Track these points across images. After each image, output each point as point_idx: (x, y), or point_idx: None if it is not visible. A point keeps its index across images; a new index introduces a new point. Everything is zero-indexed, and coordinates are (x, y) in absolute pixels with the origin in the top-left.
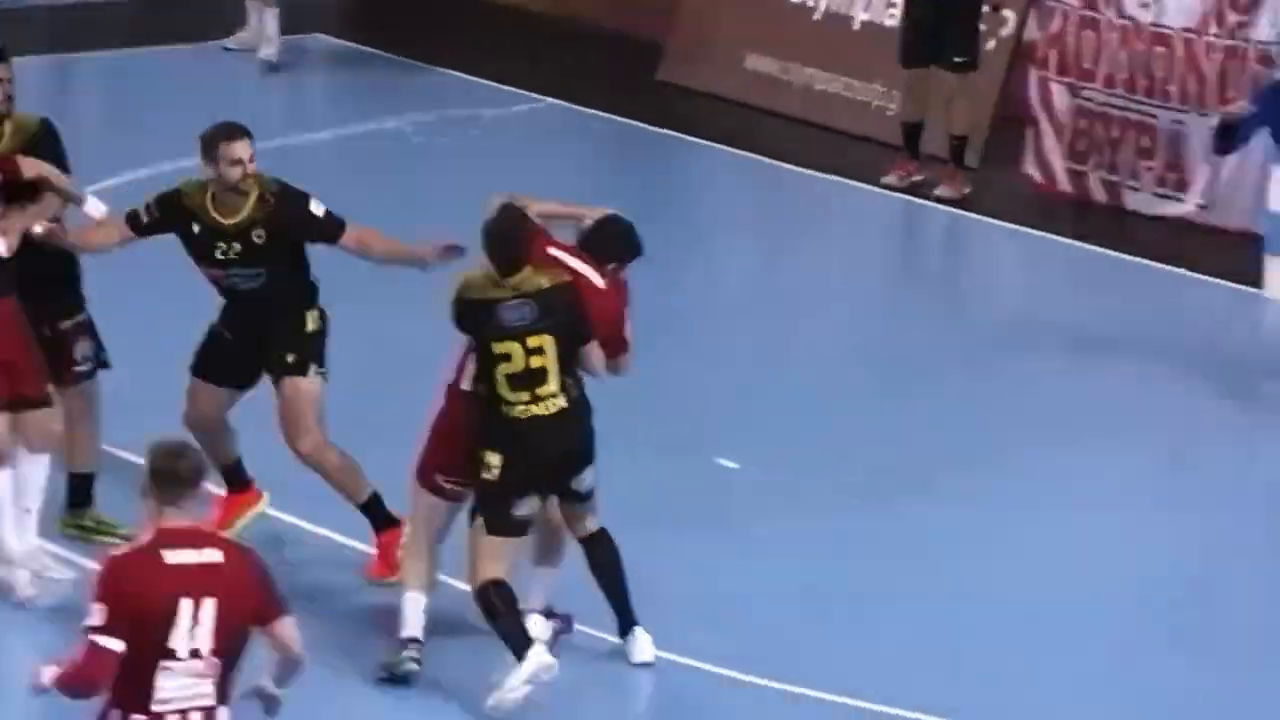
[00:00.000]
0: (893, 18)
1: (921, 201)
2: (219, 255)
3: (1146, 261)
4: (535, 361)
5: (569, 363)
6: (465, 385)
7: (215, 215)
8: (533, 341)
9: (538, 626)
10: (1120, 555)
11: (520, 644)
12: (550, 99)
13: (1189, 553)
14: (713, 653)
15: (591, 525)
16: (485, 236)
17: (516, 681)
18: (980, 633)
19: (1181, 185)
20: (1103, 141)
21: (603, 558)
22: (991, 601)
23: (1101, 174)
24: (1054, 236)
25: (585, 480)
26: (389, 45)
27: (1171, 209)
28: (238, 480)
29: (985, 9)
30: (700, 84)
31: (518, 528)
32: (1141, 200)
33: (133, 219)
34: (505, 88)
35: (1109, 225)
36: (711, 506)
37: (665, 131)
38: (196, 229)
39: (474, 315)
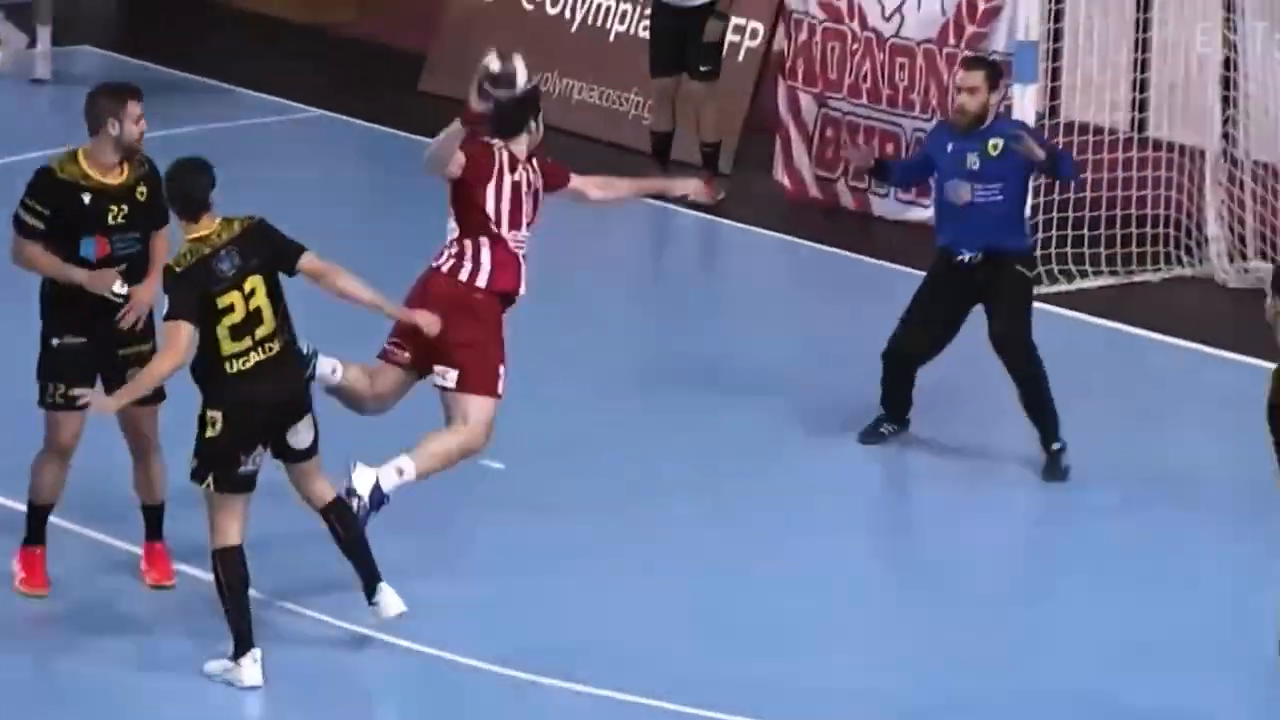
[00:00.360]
0: (646, 30)
1: (675, 208)
2: (111, 220)
3: (892, 265)
4: (252, 304)
5: (281, 302)
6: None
7: (101, 179)
8: (248, 285)
9: (361, 474)
10: (841, 564)
11: (239, 642)
12: (316, 109)
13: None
14: (457, 644)
15: (327, 492)
16: (165, 183)
17: (217, 669)
18: (705, 623)
19: (925, 193)
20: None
21: (345, 527)
22: (711, 598)
23: (849, 181)
24: (804, 241)
25: (301, 434)
26: (156, 58)
27: (916, 214)
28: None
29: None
30: (461, 94)
31: (245, 483)
32: (887, 206)
33: (28, 230)
34: (272, 98)
35: (857, 231)
36: (468, 504)
37: (427, 140)
38: (87, 199)
39: (194, 282)
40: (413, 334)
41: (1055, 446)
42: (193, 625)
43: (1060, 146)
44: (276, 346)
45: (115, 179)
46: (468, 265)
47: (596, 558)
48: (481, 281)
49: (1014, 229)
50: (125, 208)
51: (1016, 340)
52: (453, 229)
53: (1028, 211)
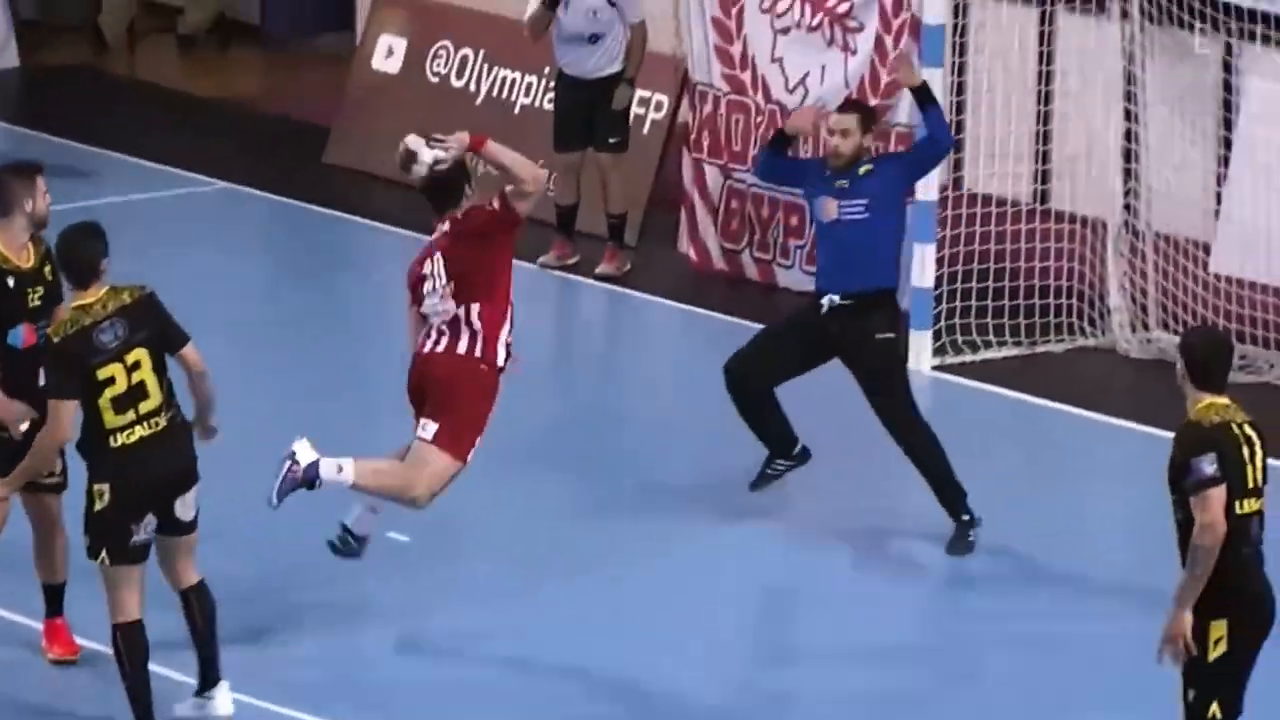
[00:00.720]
0: (552, 102)
1: (581, 279)
2: (32, 304)
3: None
4: (136, 377)
5: (165, 377)
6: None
7: (16, 262)
8: (130, 358)
9: (305, 448)
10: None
11: (140, 717)
12: (219, 181)
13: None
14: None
15: (193, 574)
16: (57, 250)
17: None
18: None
19: None
20: (754, 221)
21: (202, 612)
22: (588, 673)
23: (754, 252)
24: (709, 312)
25: (189, 504)
26: (57, 130)
27: None
28: None
29: (630, 91)
30: (365, 165)
31: (138, 553)
32: (792, 277)
33: None
34: (175, 171)
35: (762, 302)
36: (370, 575)
37: (331, 212)
38: (11, 283)
39: (74, 353)
40: (419, 407)
41: (965, 518)
42: (95, 700)
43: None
44: (163, 421)
45: (26, 262)
46: (465, 336)
47: (481, 623)
48: (480, 350)
49: (881, 265)
50: (40, 289)
51: (900, 421)
52: (450, 307)
53: (929, 282)
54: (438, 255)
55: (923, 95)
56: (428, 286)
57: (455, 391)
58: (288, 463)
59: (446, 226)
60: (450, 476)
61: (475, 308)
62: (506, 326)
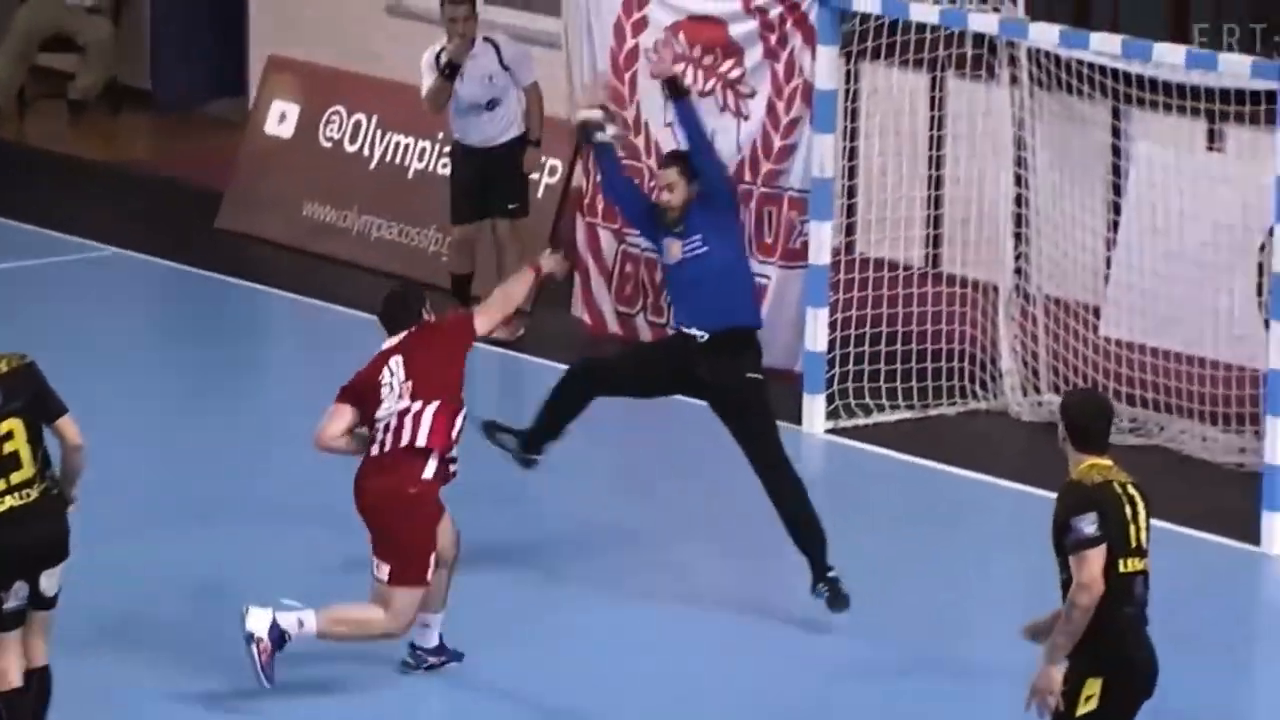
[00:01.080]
0: (445, 167)
1: (475, 344)
2: None
3: (693, 400)
4: (8, 447)
5: (41, 448)
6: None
7: None
8: (3, 428)
9: (256, 616)
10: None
11: None
12: (111, 247)
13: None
14: None
15: (42, 656)
16: None
17: None
18: None
19: None
20: (648, 285)
21: (39, 698)
22: None
23: (648, 316)
24: None
25: (55, 579)
26: None
27: None
28: None
29: (537, 153)
30: (258, 231)
31: (11, 620)
32: None
33: None
34: (66, 236)
35: None
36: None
37: (223, 277)
38: None
39: None
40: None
41: (830, 574)
42: None
43: (710, 140)
44: (34, 493)
45: None
46: (406, 433)
47: (368, 699)
48: (416, 451)
49: (738, 300)
50: None
51: (769, 464)
52: (404, 404)
53: (822, 346)
54: (395, 359)
55: (674, 88)
56: (384, 391)
57: (395, 528)
58: (252, 647)
59: (402, 336)
60: (418, 599)
61: (434, 405)
62: (456, 430)
